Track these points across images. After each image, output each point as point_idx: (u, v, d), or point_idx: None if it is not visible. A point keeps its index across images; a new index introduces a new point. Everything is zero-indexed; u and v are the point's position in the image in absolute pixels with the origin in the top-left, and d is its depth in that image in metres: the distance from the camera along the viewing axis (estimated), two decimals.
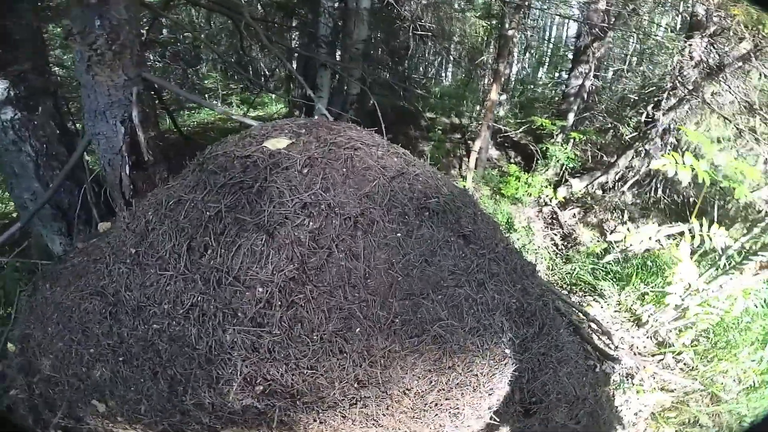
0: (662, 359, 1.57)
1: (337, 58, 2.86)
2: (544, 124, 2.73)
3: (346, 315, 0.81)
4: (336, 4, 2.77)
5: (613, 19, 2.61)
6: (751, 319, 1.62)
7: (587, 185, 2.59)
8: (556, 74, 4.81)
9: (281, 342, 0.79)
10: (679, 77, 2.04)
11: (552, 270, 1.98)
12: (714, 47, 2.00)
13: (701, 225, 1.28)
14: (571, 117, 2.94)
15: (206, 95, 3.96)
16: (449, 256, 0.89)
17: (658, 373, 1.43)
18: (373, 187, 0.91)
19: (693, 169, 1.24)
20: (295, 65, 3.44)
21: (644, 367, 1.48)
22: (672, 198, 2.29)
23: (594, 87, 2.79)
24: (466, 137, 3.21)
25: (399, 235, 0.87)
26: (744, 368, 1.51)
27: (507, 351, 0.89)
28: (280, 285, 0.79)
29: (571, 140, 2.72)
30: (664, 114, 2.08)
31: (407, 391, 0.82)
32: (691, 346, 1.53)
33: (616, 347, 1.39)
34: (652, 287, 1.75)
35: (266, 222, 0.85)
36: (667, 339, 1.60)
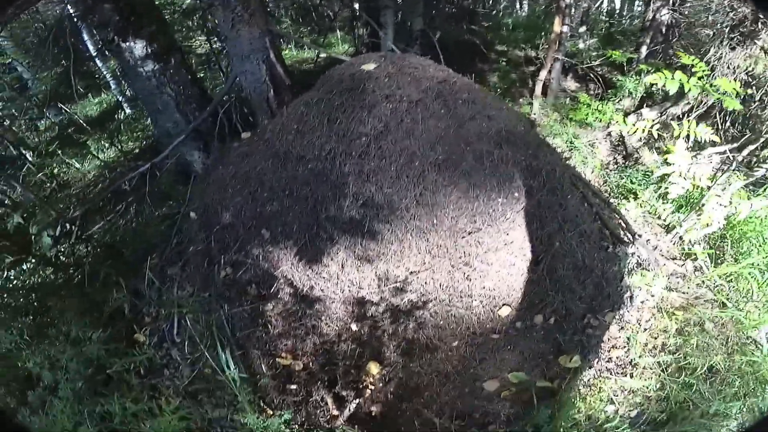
0: (683, 264, 1.98)
1: None
2: (615, 56, 2.95)
3: (410, 154, 1.57)
4: None
5: None
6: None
7: (658, 115, 2.80)
8: (637, 7, 4.54)
9: (374, 170, 1.59)
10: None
11: (605, 181, 2.42)
12: None
13: (688, 123, 1.66)
14: (643, 50, 3.08)
15: (281, 40, 4.79)
16: (476, 126, 1.57)
17: (672, 254, 1.87)
18: (427, 86, 1.61)
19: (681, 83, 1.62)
20: (357, 5, 4.03)
21: (662, 264, 1.92)
22: (741, 132, 2.43)
23: (672, 20, 2.84)
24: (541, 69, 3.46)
25: (443, 111, 1.57)
26: (747, 276, 1.83)
27: (516, 193, 1.53)
28: (373, 136, 1.57)
29: (644, 72, 2.90)
30: (732, 50, 2.20)
31: (446, 213, 1.54)
32: (704, 251, 1.91)
33: (634, 236, 1.87)
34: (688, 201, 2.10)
35: (366, 104, 1.63)
36: (689, 246, 1.99)
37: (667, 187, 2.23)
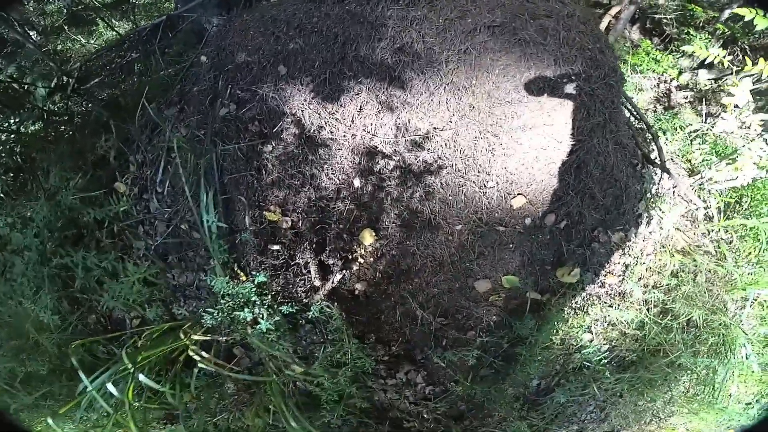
0: (696, 208, 1.96)
1: None
2: (695, 10, 2.80)
3: (464, 10, 1.46)
4: None
5: None
6: None
7: (714, 79, 2.71)
8: None
9: (420, 18, 1.47)
10: None
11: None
12: None
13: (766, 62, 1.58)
14: (726, 12, 2.93)
15: None
16: (546, 4, 1.51)
17: (686, 196, 1.85)
18: None
19: None
20: None
21: (678, 201, 1.89)
22: None
23: None
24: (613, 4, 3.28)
25: None
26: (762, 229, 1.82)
27: (574, 76, 1.43)
28: None
29: (717, 31, 2.77)
30: None
31: (488, 77, 1.45)
32: (722, 198, 1.88)
33: (663, 163, 1.82)
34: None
35: None
36: (707, 195, 1.95)
37: (707, 131, 2.17)
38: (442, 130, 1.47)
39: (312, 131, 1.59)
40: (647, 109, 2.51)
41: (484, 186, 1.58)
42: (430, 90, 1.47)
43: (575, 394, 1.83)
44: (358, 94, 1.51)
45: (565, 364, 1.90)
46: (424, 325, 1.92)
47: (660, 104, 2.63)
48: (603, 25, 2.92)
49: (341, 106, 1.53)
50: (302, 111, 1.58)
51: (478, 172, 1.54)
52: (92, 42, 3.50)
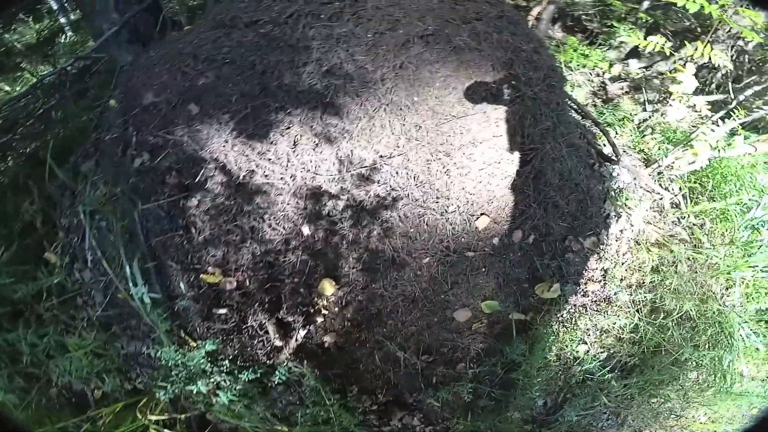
0: (661, 198, 1.90)
1: None
2: (616, 5, 2.85)
3: (393, 20, 1.27)
4: None
5: None
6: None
7: (644, 68, 2.75)
8: None
9: (347, 35, 1.27)
10: None
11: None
12: None
13: (703, 45, 1.55)
14: (645, 3, 3.01)
15: None
16: (475, 6, 1.36)
17: (649, 187, 1.77)
18: None
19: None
20: None
21: (642, 193, 1.81)
22: (725, 91, 2.45)
23: None
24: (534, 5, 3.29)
25: None
26: (732, 213, 1.80)
27: (514, 81, 1.29)
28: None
29: (640, 21, 2.83)
30: (735, 14, 2.16)
31: (430, 91, 1.27)
32: (685, 184, 1.85)
33: (619, 157, 1.74)
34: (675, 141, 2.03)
35: None
36: (667, 182, 1.91)
37: (657, 122, 2.14)
38: (390, 158, 1.26)
39: (242, 177, 1.32)
40: (587, 104, 2.48)
41: (446, 212, 1.39)
42: (369, 114, 1.26)
43: (585, 407, 1.68)
44: (288, 128, 1.26)
45: (567, 378, 1.75)
46: (408, 367, 1.68)
47: (598, 98, 2.60)
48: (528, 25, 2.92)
49: (272, 143, 1.28)
50: (225, 154, 1.31)
51: (437, 198, 1.35)
52: (17, 89, 3.09)
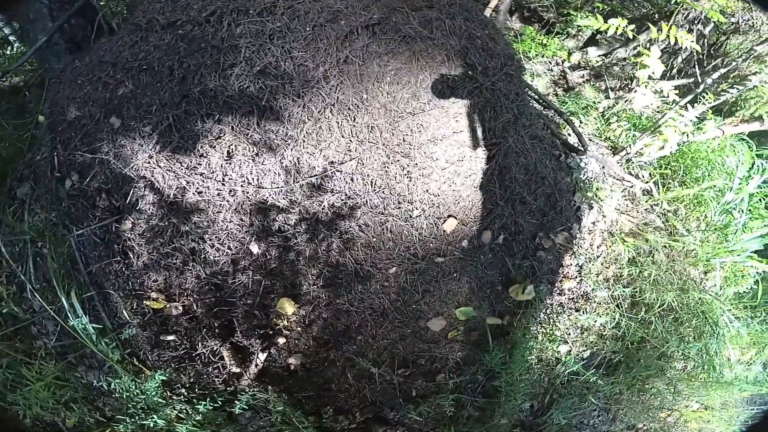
0: (632, 186, 1.80)
1: None
2: None
3: (334, 11, 1.08)
4: None
5: None
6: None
7: (604, 55, 2.66)
8: None
9: (280, 30, 1.07)
10: None
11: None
12: None
13: (668, 27, 1.44)
14: None
15: None
16: None
17: (619, 176, 1.67)
18: None
19: None
20: None
21: (611, 183, 1.70)
22: (690, 75, 2.38)
23: None
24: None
25: None
26: (707, 199, 1.72)
27: (471, 71, 1.14)
28: None
29: (597, 9, 2.74)
30: None
31: (380, 87, 1.10)
32: (656, 171, 1.75)
33: (585, 147, 1.62)
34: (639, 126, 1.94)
35: None
36: (636, 169, 1.81)
37: (621, 110, 2.05)
38: (342, 164, 1.09)
39: (173, 195, 1.13)
40: (548, 94, 2.37)
41: (410, 217, 1.23)
42: (314, 116, 1.08)
43: (573, 407, 1.58)
44: (219, 138, 1.06)
45: (552, 380, 1.63)
46: (384, 382, 1.54)
47: (559, 87, 2.48)
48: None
49: (201, 156, 1.07)
50: (152, 171, 1.10)
51: (399, 202, 1.19)
52: None
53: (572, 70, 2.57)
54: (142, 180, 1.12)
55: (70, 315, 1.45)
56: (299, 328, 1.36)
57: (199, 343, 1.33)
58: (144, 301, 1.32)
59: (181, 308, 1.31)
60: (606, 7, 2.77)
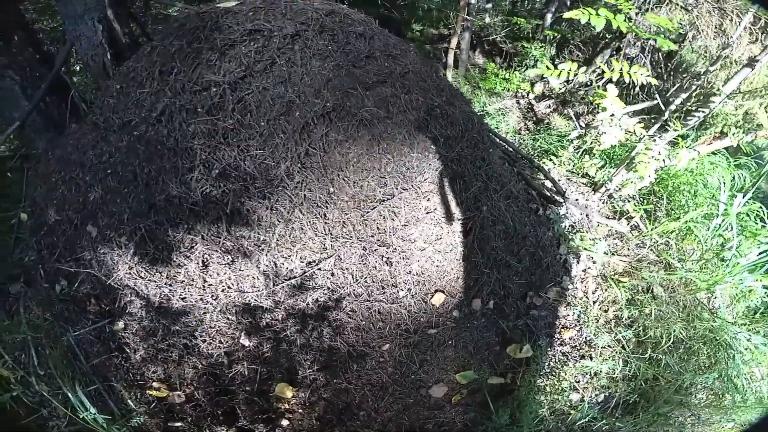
0: (619, 223, 1.64)
1: None
2: (519, 22, 2.63)
3: (286, 103, 0.97)
4: None
5: None
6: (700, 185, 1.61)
7: (565, 81, 2.49)
8: None
9: (233, 128, 0.97)
10: None
11: (519, 145, 2.06)
12: None
13: (620, 63, 1.29)
14: (548, 17, 2.77)
15: None
16: (375, 65, 1.03)
17: (602, 222, 1.51)
18: (307, 18, 1.04)
19: (607, 20, 1.24)
20: None
21: (596, 225, 1.55)
22: (652, 96, 2.18)
23: None
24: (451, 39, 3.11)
25: (330, 47, 1.01)
26: (692, 230, 1.54)
27: (433, 146, 1.02)
28: (228, 84, 0.97)
29: (548, 37, 2.60)
30: (640, 14, 1.89)
31: (346, 176, 0.99)
32: (639, 207, 1.59)
33: (563, 195, 1.47)
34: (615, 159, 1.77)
35: (218, 46, 1.01)
36: (621, 204, 1.65)
37: (593, 142, 1.88)
38: (319, 263, 1.00)
39: (158, 301, 1.06)
40: (519, 129, 2.21)
41: (396, 298, 1.11)
42: (284, 217, 0.98)
43: None
44: (192, 248, 0.96)
45: (569, 429, 1.50)
46: None
47: (528, 120, 2.30)
48: (450, 59, 2.61)
49: (178, 266, 0.98)
50: (134, 281, 1.03)
51: (383, 287, 1.08)
52: None
53: (538, 100, 2.42)
54: (127, 288, 1.05)
55: (77, 407, 1.41)
56: (301, 410, 1.27)
57: (207, 429, 1.26)
58: (147, 391, 1.26)
59: (183, 396, 1.23)
60: (556, 34, 2.61)
